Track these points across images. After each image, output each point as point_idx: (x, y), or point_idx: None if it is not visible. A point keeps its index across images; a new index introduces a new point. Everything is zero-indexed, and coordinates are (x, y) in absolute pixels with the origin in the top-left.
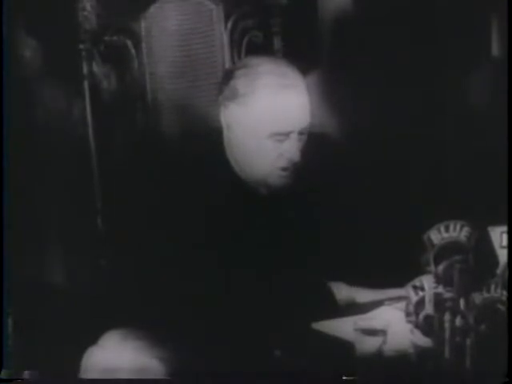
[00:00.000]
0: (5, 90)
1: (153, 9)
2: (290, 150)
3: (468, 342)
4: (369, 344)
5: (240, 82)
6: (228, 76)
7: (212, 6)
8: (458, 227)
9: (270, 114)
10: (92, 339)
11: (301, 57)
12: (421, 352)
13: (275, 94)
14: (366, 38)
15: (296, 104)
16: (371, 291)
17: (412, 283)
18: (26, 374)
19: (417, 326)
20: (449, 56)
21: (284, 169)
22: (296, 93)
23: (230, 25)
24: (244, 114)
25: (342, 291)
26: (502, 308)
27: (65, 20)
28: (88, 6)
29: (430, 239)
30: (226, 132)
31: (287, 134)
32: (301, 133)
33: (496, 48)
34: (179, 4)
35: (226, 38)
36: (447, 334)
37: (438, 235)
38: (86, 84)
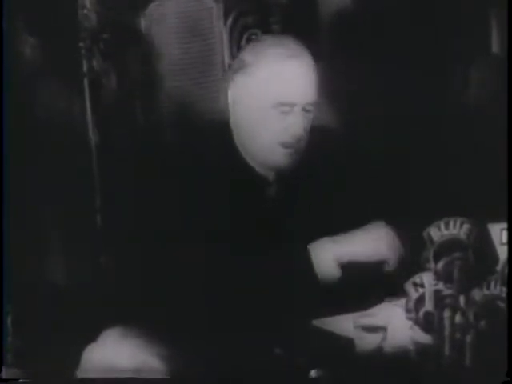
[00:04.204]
0: (4, 88)
1: (153, 6)
2: (294, 124)
3: (468, 338)
4: (368, 341)
5: (247, 54)
6: (238, 52)
7: (212, 3)
8: (458, 224)
9: (274, 83)
10: (91, 337)
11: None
12: (420, 349)
13: (281, 63)
14: (365, 36)
15: (301, 76)
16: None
17: (412, 280)
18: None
19: (417, 322)
20: (448, 53)
21: (287, 145)
22: (302, 65)
23: (229, 22)
24: (249, 83)
25: None
26: (502, 305)
27: (65, 18)
28: (88, 4)
29: (429, 236)
30: (231, 109)
31: (291, 106)
32: (305, 109)
33: (496, 45)
34: (179, 2)
35: (225, 36)
36: (447, 330)
37: (437, 232)
38: (85, 81)
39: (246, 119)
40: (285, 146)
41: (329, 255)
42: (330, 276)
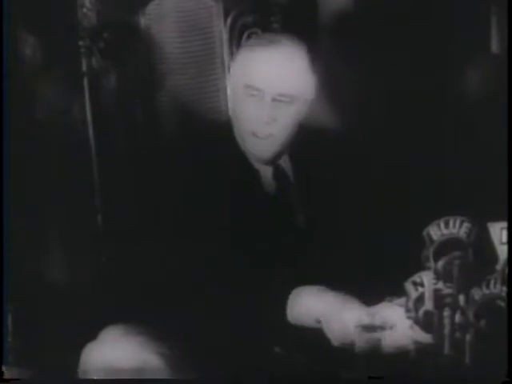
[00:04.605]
0: (4, 88)
1: (152, 5)
2: (262, 112)
3: (467, 338)
4: (368, 341)
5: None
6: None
7: (211, 2)
8: (458, 223)
9: (245, 66)
10: (91, 336)
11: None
12: (420, 348)
13: (257, 50)
14: (365, 36)
15: (275, 65)
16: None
17: (411, 279)
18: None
19: (416, 322)
20: (448, 53)
21: (257, 135)
22: (281, 56)
23: (229, 21)
24: (232, 70)
25: None
26: (502, 304)
27: (64, 17)
28: (87, 3)
29: (429, 235)
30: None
31: (259, 91)
32: (276, 99)
33: (496, 45)
34: (179, 0)
35: (225, 35)
36: (447, 330)
37: (437, 231)
38: (85, 81)
39: (232, 108)
40: (255, 134)
41: (307, 311)
42: (306, 325)
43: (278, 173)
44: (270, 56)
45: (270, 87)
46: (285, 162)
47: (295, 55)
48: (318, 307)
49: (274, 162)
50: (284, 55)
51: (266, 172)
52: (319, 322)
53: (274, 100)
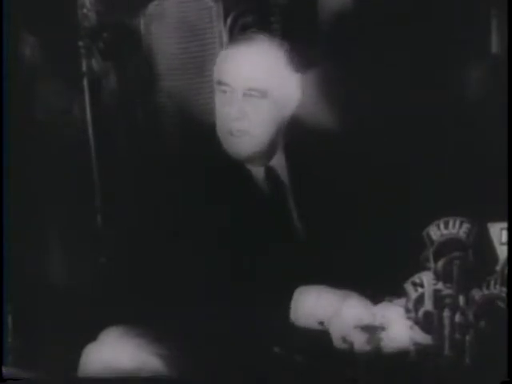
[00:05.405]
0: (4, 88)
1: (152, 6)
2: (233, 107)
3: (467, 338)
4: (368, 341)
5: None
6: None
7: (211, 3)
8: (458, 224)
9: (221, 63)
10: (91, 336)
11: (300, 54)
12: (420, 349)
13: (232, 48)
14: (365, 36)
15: (247, 60)
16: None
17: (411, 280)
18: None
19: (416, 322)
20: (448, 53)
21: (232, 134)
22: (253, 54)
23: (229, 22)
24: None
25: None
26: (502, 305)
27: (64, 17)
28: (87, 4)
29: (429, 236)
30: None
31: (229, 87)
32: (246, 94)
33: (496, 45)
34: (178, 1)
35: (225, 35)
36: (447, 330)
37: (437, 232)
38: (85, 81)
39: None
40: (231, 133)
41: (307, 310)
42: (306, 325)
43: (270, 174)
44: (241, 52)
45: (241, 82)
46: (280, 163)
47: (268, 51)
48: (320, 308)
49: (259, 162)
50: (256, 51)
51: (258, 173)
52: (322, 323)
53: (244, 95)
